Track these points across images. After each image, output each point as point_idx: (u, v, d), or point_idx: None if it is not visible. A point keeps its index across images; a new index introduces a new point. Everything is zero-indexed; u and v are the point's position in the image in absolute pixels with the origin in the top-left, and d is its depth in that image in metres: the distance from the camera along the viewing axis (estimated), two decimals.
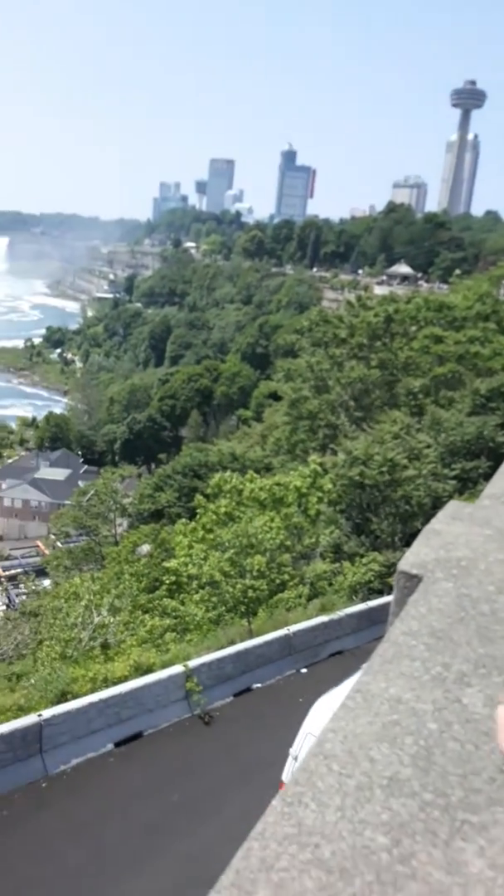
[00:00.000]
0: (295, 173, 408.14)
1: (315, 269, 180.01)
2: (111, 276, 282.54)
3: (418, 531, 2.36)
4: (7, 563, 75.87)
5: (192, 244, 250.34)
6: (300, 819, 1.07)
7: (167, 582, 23.79)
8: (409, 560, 2.09)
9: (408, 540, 23.15)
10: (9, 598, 59.25)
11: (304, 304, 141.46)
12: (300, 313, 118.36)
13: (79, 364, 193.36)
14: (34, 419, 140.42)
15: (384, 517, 24.81)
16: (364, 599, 19.12)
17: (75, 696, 12.00)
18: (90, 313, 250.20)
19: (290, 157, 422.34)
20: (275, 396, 68.61)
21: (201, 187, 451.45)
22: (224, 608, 19.59)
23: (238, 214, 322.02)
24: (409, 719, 1.35)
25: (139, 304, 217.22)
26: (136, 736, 12.16)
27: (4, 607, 54.97)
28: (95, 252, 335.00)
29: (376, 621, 17.07)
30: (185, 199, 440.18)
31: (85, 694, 12.06)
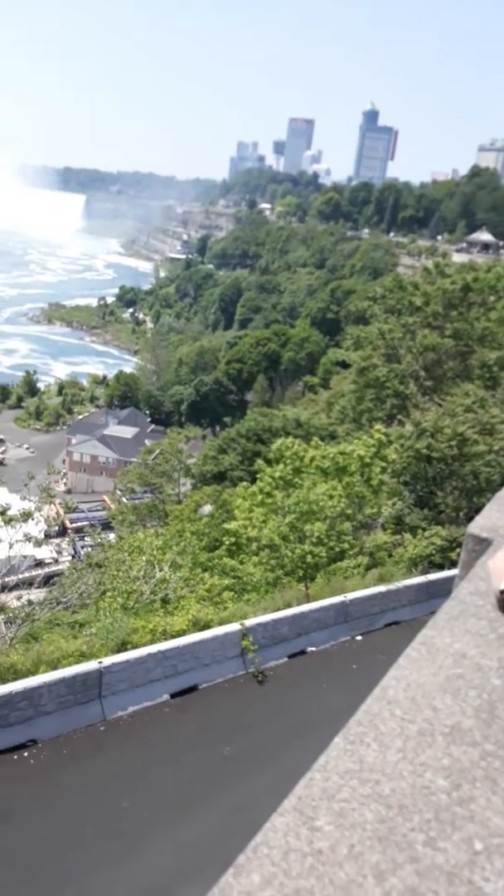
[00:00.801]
0: (376, 134, 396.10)
1: (392, 234, 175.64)
2: (184, 237, 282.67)
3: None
4: (75, 515, 78.27)
5: (267, 205, 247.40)
6: (361, 756, 1.09)
7: (226, 542, 24.16)
8: (479, 523, 2.07)
9: (472, 516, 22.73)
10: (75, 549, 61.37)
11: (379, 270, 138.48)
12: (374, 279, 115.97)
13: (149, 324, 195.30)
14: (105, 377, 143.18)
15: (449, 492, 24.41)
16: (424, 573, 18.96)
17: (135, 647, 12.38)
18: (162, 274, 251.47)
19: (371, 116, 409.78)
20: (343, 364, 67.76)
21: (279, 147, 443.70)
22: (282, 571, 19.78)
23: (315, 176, 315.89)
24: (473, 674, 1.35)
25: (211, 266, 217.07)
26: (192, 689, 12.49)
27: (71, 557, 56.97)
28: (170, 212, 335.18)
29: (435, 595, 16.93)
30: (261, 159, 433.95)
31: (144, 645, 12.42)
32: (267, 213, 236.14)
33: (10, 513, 17.11)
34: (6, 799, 9.40)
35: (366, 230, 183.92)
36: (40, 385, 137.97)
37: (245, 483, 29.81)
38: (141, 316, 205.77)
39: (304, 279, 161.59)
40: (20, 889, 7.95)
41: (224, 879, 0.89)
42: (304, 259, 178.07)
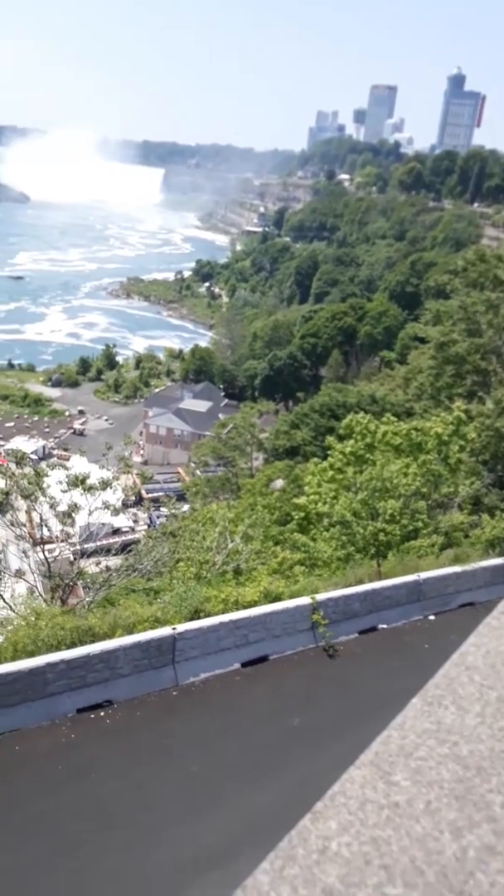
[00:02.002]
0: (461, 100, 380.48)
1: (476, 205, 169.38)
2: (261, 209, 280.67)
3: None
4: (150, 485, 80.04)
5: (346, 176, 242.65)
6: (439, 718, 1.12)
7: (297, 517, 24.23)
8: None
9: None
10: (150, 518, 62.88)
11: (462, 242, 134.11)
12: (456, 251, 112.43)
13: (225, 298, 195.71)
14: (180, 351, 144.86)
15: None
16: (501, 555, 18.53)
17: (207, 615, 12.64)
18: (239, 247, 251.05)
19: (457, 82, 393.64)
20: (422, 339, 66.34)
21: (359, 116, 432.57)
22: (353, 548, 19.71)
23: (396, 145, 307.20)
24: None
25: (287, 239, 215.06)
26: (262, 659, 12.67)
27: (146, 526, 58.44)
28: (247, 184, 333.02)
29: None
30: (341, 128, 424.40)
31: (216, 614, 12.67)
32: (346, 183, 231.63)
33: (89, 481, 17.65)
34: (85, 755, 9.84)
35: (448, 201, 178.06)
36: (119, 358, 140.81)
37: (317, 459, 29.75)
38: (216, 290, 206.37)
39: (382, 251, 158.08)
40: (95, 841, 8.34)
41: (302, 824, 0.93)
42: (384, 231, 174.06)
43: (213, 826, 8.76)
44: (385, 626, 14.60)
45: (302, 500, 23.54)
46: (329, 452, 24.93)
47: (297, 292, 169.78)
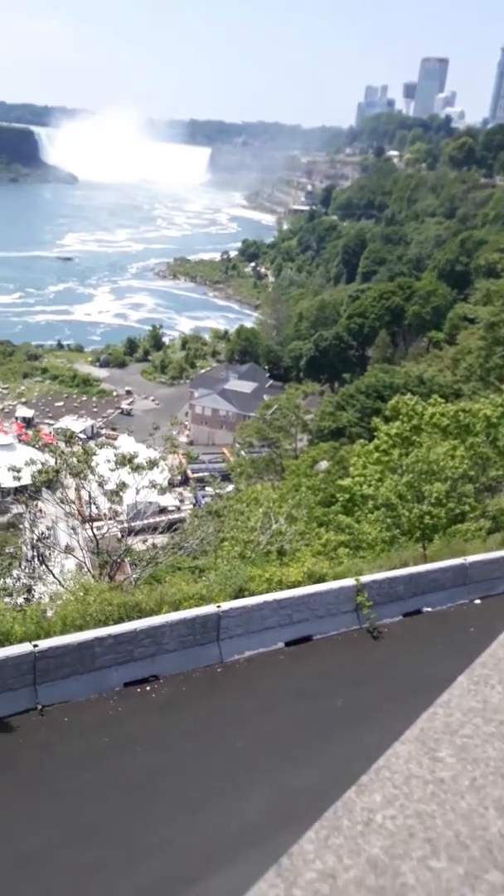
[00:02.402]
0: None
1: None
2: (308, 188, 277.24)
3: None
4: (196, 465, 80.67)
5: (395, 152, 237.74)
6: (486, 697, 1.13)
7: (341, 499, 24.16)
8: None
9: None
10: (196, 497, 63.54)
11: None
12: None
13: (271, 278, 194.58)
14: (226, 332, 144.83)
15: None
16: None
17: (251, 594, 12.76)
18: (285, 226, 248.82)
19: None
20: (471, 319, 64.97)
21: (409, 91, 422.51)
22: (398, 531, 19.59)
23: (447, 119, 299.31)
24: None
25: (335, 217, 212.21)
26: (306, 639, 12.75)
27: (192, 506, 59.06)
28: (294, 162, 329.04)
29: None
30: (391, 103, 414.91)
31: (260, 593, 12.78)
32: (395, 160, 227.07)
33: (136, 461, 17.89)
34: (131, 728, 10.08)
35: (501, 177, 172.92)
36: (165, 339, 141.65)
37: (362, 440, 29.56)
38: (262, 270, 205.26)
39: (432, 229, 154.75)
40: (139, 813, 8.56)
41: (347, 795, 0.95)
42: (433, 208, 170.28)
43: (255, 802, 8.90)
44: (430, 609, 14.52)
45: (347, 482, 23.45)
46: (375, 434, 24.74)
47: (343, 271, 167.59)
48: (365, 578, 13.74)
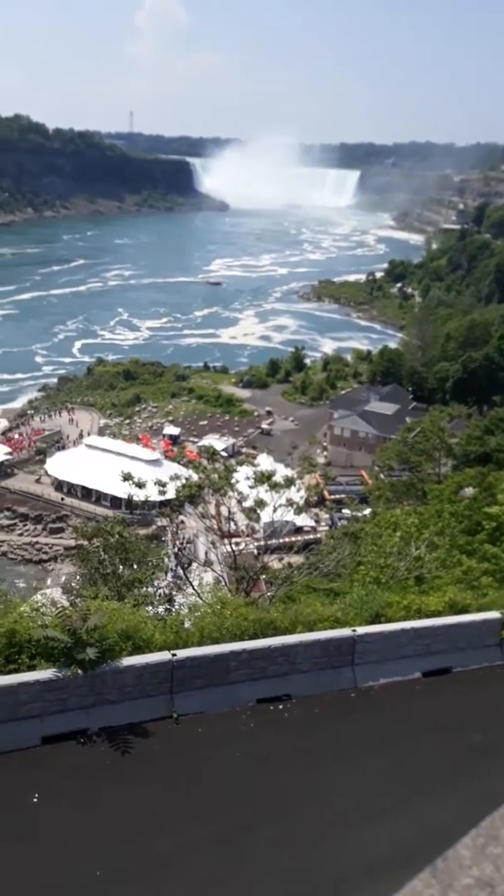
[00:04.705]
0: None
1: None
2: (460, 206, 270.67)
3: None
4: (333, 486, 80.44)
5: None
6: None
7: (488, 527, 23.09)
8: None
9: None
10: (332, 519, 63.27)
11: None
12: None
13: (417, 298, 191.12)
14: (368, 353, 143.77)
15: None
16: None
17: (388, 621, 12.45)
18: (434, 246, 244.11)
19: None
20: None
21: None
22: None
23: None
24: None
25: (488, 235, 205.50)
26: (445, 670, 12.24)
27: (328, 527, 58.84)
28: (446, 181, 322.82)
29: None
30: None
31: (397, 620, 12.43)
32: None
33: (274, 479, 18.11)
34: (263, 745, 10.11)
35: None
36: (307, 360, 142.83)
37: None
38: (409, 290, 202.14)
39: None
40: (265, 831, 8.53)
41: None
42: None
43: (385, 833, 8.62)
44: None
45: (495, 510, 22.43)
46: None
47: (496, 291, 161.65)
48: None
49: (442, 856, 1.53)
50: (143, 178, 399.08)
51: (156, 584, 18.10)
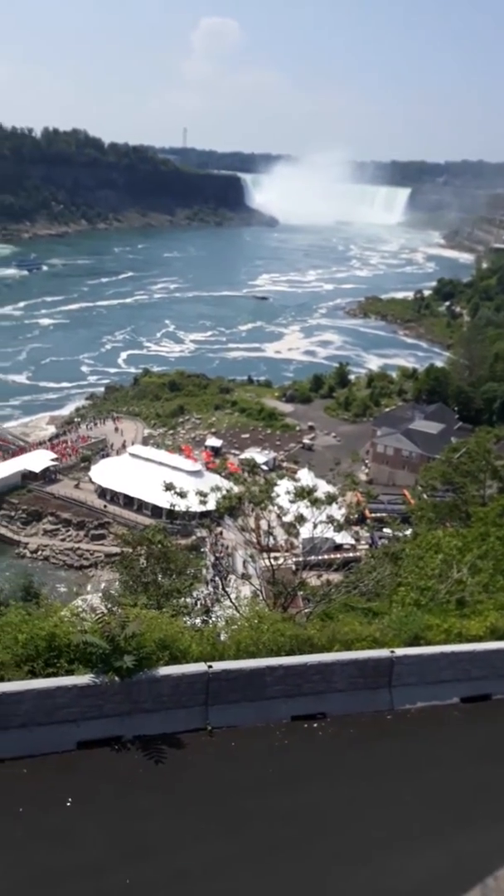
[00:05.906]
0: None
1: None
2: None
3: None
4: (375, 505, 79.67)
5: None
6: None
7: None
8: None
9: None
10: (372, 538, 62.61)
11: None
12: None
13: (466, 317, 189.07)
14: (414, 371, 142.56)
15: None
16: None
17: (427, 643, 12.25)
18: (484, 265, 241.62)
19: None
20: None
21: None
22: None
23: None
24: None
25: None
26: (484, 697, 11.98)
27: (368, 546, 58.26)
28: (498, 200, 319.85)
29: None
30: None
31: (437, 643, 12.23)
32: None
33: (315, 494, 18.03)
34: (297, 762, 10.01)
35: None
36: (351, 377, 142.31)
37: None
38: (458, 309, 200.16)
39: None
40: (296, 849, 8.41)
41: None
42: None
43: (418, 861, 8.45)
44: None
45: None
46: None
47: None
48: None
49: (493, 874, 1.47)
50: (195, 192, 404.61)
51: (194, 594, 18.15)
